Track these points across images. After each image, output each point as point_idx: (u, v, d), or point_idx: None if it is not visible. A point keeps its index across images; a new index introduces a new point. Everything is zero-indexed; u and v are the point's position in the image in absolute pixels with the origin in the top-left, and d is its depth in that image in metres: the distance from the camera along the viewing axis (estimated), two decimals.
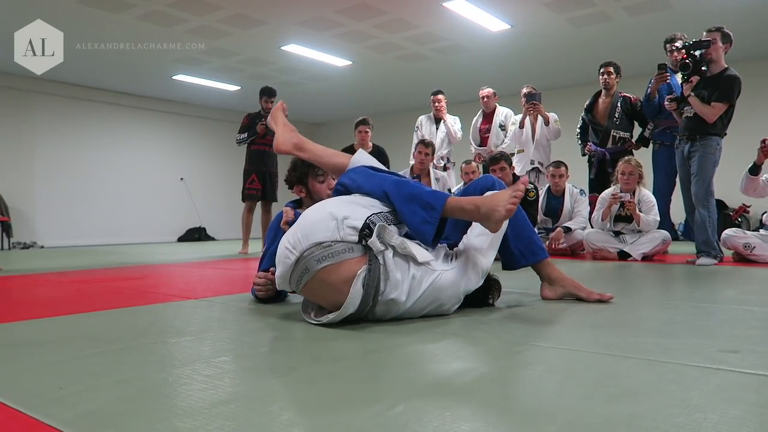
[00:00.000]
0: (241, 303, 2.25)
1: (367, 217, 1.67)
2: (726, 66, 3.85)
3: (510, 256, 2.14)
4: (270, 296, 2.18)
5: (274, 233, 2.29)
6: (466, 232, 2.02)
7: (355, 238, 1.61)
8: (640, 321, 1.79)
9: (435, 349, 1.44)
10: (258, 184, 6.20)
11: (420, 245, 1.77)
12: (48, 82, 9.28)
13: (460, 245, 1.94)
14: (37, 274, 3.86)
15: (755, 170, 4.04)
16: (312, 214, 1.72)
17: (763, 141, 3.84)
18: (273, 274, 2.14)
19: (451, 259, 1.89)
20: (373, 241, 1.63)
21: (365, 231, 1.63)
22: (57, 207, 9.51)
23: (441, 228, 1.79)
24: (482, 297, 2.05)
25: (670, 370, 1.19)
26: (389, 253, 1.66)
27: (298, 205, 2.42)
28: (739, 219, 8.00)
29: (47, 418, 0.95)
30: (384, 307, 1.69)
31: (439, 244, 1.95)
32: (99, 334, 1.67)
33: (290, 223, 2.11)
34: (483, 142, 6.06)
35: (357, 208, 1.71)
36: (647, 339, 1.50)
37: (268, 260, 2.22)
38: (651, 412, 0.93)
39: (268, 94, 6.26)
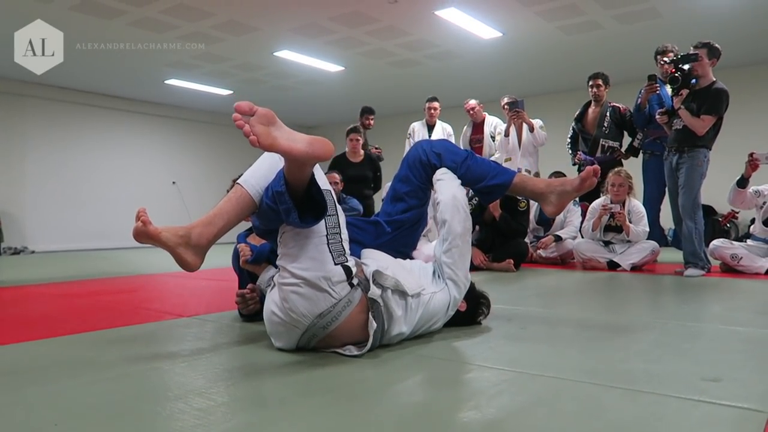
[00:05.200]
0: (232, 322, 2.27)
1: (335, 261, 1.61)
2: (714, 79, 3.90)
3: (479, 192, 2.15)
4: (255, 311, 2.20)
5: (238, 269, 2.33)
6: (415, 248, 2.15)
7: (348, 287, 1.62)
8: (628, 343, 1.82)
9: (423, 380, 1.47)
10: None
11: (410, 275, 1.80)
12: (40, 85, 9.24)
13: (437, 264, 1.96)
14: (28, 285, 3.85)
15: (743, 183, 4.10)
16: (294, 290, 1.60)
17: (751, 155, 3.90)
18: (250, 290, 2.18)
19: (439, 277, 1.93)
20: (372, 291, 1.66)
21: (349, 273, 1.63)
22: (48, 211, 9.46)
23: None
24: (472, 316, 2.08)
25: (654, 402, 1.22)
26: (387, 294, 1.69)
27: (250, 232, 2.43)
28: (728, 225, 8.09)
29: None
30: (387, 341, 1.73)
31: (425, 264, 2.00)
32: (93, 358, 1.69)
33: (250, 261, 2.14)
34: (475, 152, 6.10)
35: (316, 255, 1.60)
36: (633, 365, 1.54)
37: (243, 284, 2.29)
38: None
39: (369, 112, 6.36)
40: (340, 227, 1.67)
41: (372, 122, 6.49)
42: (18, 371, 1.56)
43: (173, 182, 11.30)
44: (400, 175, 2.13)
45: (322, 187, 1.65)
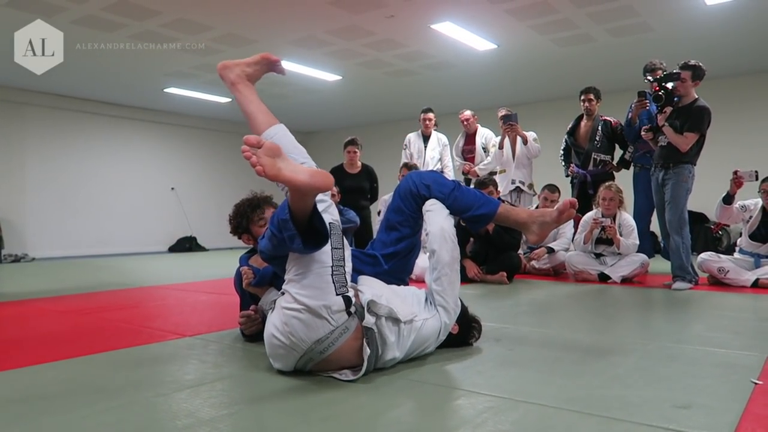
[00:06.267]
0: (234, 343, 2.37)
1: (337, 292, 1.71)
2: (696, 97, 4.03)
3: (466, 221, 2.26)
4: (257, 332, 2.29)
5: (240, 291, 2.43)
6: (411, 273, 2.31)
7: (345, 315, 1.73)
8: (608, 367, 1.93)
9: (414, 407, 1.57)
10: None
11: (404, 302, 1.91)
12: (40, 93, 9.34)
13: (429, 291, 2.07)
14: (30, 300, 3.94)
15: (728, 200, 4.22)
16: (296, 315, 1.70)
17: (735, 173, 4.02)
18: (255, 311, 2.29)
19: (431, 304, 2.04)
20: (367, 320, 1.76)
21: (348, 303, 1.74)
22: (48, 218, 9.55)
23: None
24: (463, 338, 2.19)
25: (626, 430, 1.33)
26: (381, 321, 1.80)
27: (252, 254, 2.53)
28: (720, 232, 8.21)
29: None
30: (381, 365, 1.84)
31: (417, 291, 2.11)
32: (103, 385, 1.79)
33: (253, 284, 2.24)
34: (467, 161, 6.22)
35: (321, 285, 1.71)
36: (610, 391, 1.64)
37: (245, 304, 2.38)
38: None
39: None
40: (345, 260, 1.80)
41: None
42: (31, 398, 1.66)
43: (172, 188, 11.39)
44: (392, 206, 2.24)
45: (332, 222, 1.78)
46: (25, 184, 9.37)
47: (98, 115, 10.26)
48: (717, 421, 1.38)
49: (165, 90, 9.33)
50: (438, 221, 2.09)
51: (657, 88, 4.02)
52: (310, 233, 1.69)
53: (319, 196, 1.86)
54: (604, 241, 4.66)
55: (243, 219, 2.48)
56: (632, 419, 1.40)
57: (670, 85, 3.98)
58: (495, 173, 5.81)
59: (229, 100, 10.06)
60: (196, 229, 11.45)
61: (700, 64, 4.00)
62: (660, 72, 4.84)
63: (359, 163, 6.19)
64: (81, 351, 2.27)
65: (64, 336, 2.65)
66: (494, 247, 4.67)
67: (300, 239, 1.64)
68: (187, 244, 11.22)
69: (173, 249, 11.14)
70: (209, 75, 8.39)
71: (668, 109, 4.02)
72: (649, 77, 4.33)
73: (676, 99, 3.99)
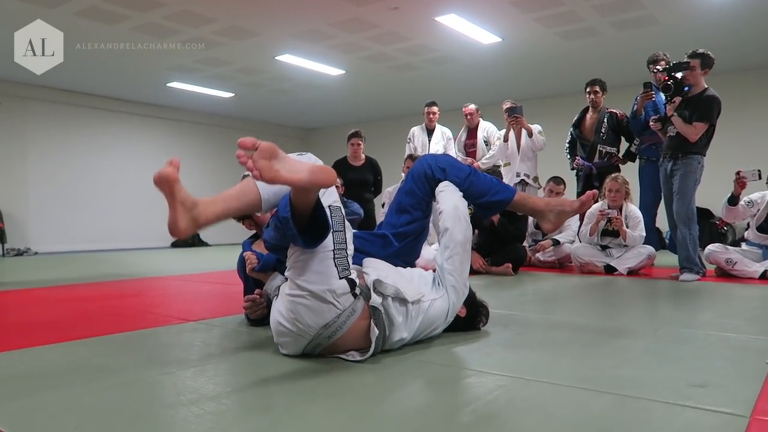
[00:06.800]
0: (238, 327, 2.34)
1: (340, 276, 1.68)
2: (706, 87, 3.98)
3: (480, 207, 2.22)
4: (263, 316, 2.26)
5: (244, 276, 2.39)
6: (419, 257, 2.25)
7: (351, 297, 1.69)
8: (620, 350, 1.89)
9: (423, 385, 1.54)
10: None
11: (410, 283, 1.88)
12: (42, 88, 9.31)
13: (438, 271, 2.03)
14: (33, 288, 3.92)
15: (733, 201, 4.20)
16: (300, 302, 1.67)
17: (737, 173, 4.00)
18: (260, 295, 2.25)
19: (439, 284, 2.00)
20: (374, 299, 1.73)
21: (353, 285, 1.70)
22: (50, 213, 9.54)
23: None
24: (471, 322, 2.15)
25: (641, 408, 1.29)
26: (388, 301, 1.76)
27: (255, 239, 2.49)
28: (725, 228, 8.16)
29: None
30: (388, 346, 1.80)
31: (425, 272, 2.07)
32: (106, 363, 1.76)
33: (257, 269, 2.20)
34: (469, 156, 6.19)
35: (323, 270, 1.67)
36: (623, 371, 1.61)
37: (249, 290, 2.35)
38: None
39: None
40: (346, 243, 1.75)
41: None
42: (33, 376, 1.63)
43: None
44: (404, 188, 2.21)
45: (332, 204, 1.73)
46: (27, 179, 9.35)
47: (100, 109, 10.24)
48: (735, 399, 1.35)
49: (168, 84, 9.30)
50: (452, 200, 2.05)
51: (666, 78, 3.97)
52: (312, 225, 1.64)
53: None
54: (610, 233, 4.62)
55: None
56: (647, 397, 1.36)
57: (679, 74, 3.93)
58: (499, 166, 5.77)
59: (232, 95, 10.04)
60: None
61: (709, 52, 3.95)
62: (663, 63, 4.80)
63: (363, 156, 6.16)
64: (83, 334, 2.24)
65: (65, 321, 2.62)
66: (499, 238, 4.64)
67: (301, 239, 1.61)
68: (189, 240, 11.18)
69: (175, 244, 11.11)
70: (212, 69, 8.36)
71: (677, 99, 3.98)
72: (658, 67, 4.28)
73: (686, 89, 3.95)
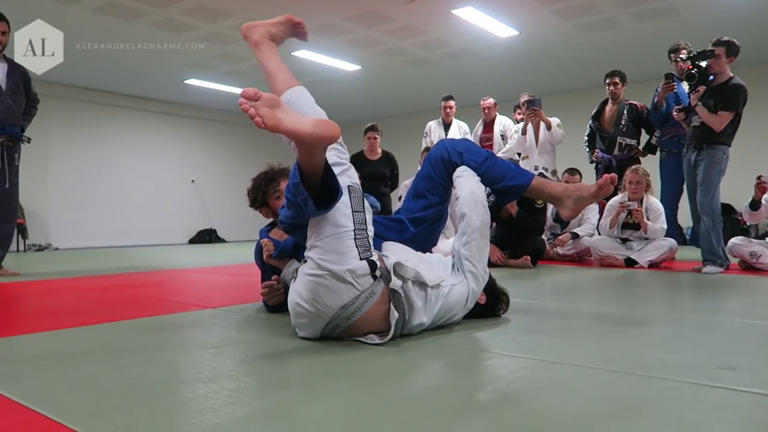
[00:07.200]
0: (257, 314, 2.34)
1: (360, 257, 1.66)
2: (731, 75, 3.90)
3: (497, 192, 2.18)
4: (280, 302, 2.25)
5: (261, 263, 2.38)
6: (435, 244, 2.21)
7: (371, 279, 1.67)
8: (643, 335, 1.85)
9: (443, 366, 1.52)
10: None
11: (430, 267, 1.85)
12: (62, 86, 9.43)
13: (456, 257, 2.01)
14: (55, 279, 3.96)
15: (755, 206, 4.14)
16: (320, 281, 1.65)
17: (758, 178, 3.92)
18: (277, 281, 2.24)
19: (458, 270, 1.97)
20: (394, 282, 1.70)
21: (373, 267, 1.68)
22: (71, 209, 9.66)
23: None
24: (491, 309, 2.12)
25: (668, 388, 1.26)
26: (407, 285, 1.74)
27: (272, 227, 2.48)
28: (747, 224, 8.01)
29: (87, 431, 1.03)
30: (408, 331, 1.78)
31: (445, 258, 2.04)
32: (126, 345, 1.76)
33: (274, 256, 2.19)
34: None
35: (343, 249, 1.65)
36: (648, 354, 1.57)
37: (266, 277, 2.33)
38: (645, 431, 1.00)
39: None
40: (366, 223, 1.74)
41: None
42: (54, 356, 1.63)
43: (192, 181, 11.46)
44: (422, 172, 2.19)
45: (351, 184, 1.72)
46: (48, 176, 9.48)
47: (119, 107, 10.35)
48: (765, 380, 1.31)
49: (185, 81, 9.37)
50: (469, 186, 2.03)
51: (690, 66, 3.89)
52: (324, 194, 1.62)
53: (336, 158, 1.80)
54: (630, 225, 4.55)
55: (259, 192, 2.44)
56: (675, 378, 1.32)
57: (703, 63, 3.85)
58: (516, 160, 5.72)
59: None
60: (215, 222, 11.50)
61: (734, 40, 3.86)
62: (685, 52, 4.71)
63: (379, 150, 6.14)
64: (103, 319, 2.25)
65: (86, 307, 2.64)
66: (517, 231, 4.59)
67: (312, 201, 1.58)
68: (206, 236, 11.28)
69: (193, 241, 11.21)
70: (229, 65, 8.41)
71: (701, 88, 3.90)
72: (682, 56, 4.20)
73: (710, 78, 3.86)
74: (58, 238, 9.45)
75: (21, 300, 3.04)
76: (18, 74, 4.28)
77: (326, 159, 1.62)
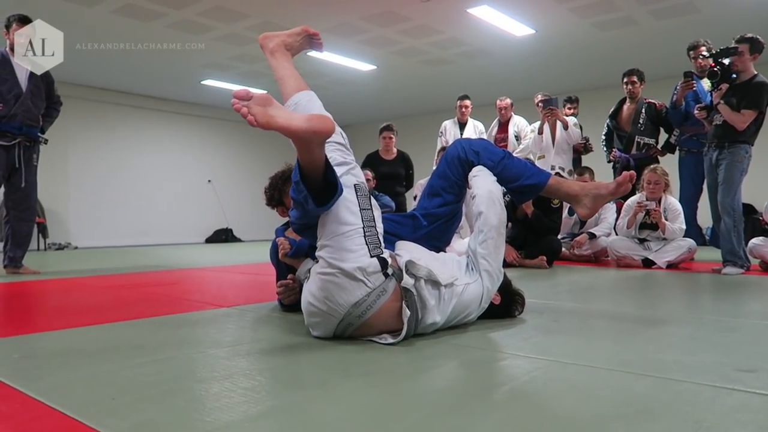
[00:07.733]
0: (271, 312, 2.35)
1: (371, 254, 1.65)
2: (755, 73, 3.82)
3: (513, 192, 2.17)
4: (295, 301, 2.26)
5: (276, 262, 2.39)
6: (449, 243, 2.22)
7: (382, 277, 1.67)
8: (661, 336, 1.83)
9: (457, 365, 1.51)
10: None
11: (443, 266, 1.84)
12: (81, 86, 9.56)
13: (471, 256, 1.99)
14: (74, 277, 4.02)
15: None
16: (331, 280, 1.65)
17: None
18: (293, 280, 2.25)
19: (472, 269, 1.96)
20: (405, 280, 1.70)
21: (383, 264, 1.68)
22: (90, 209, 9.80)
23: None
24: (506, 309, 2.11)
25: (686, 390, 1.24)
26: (420, 283, 1.74)
27: (287, 226, 2.49)
28: None
29: (103, 428, 1.04)
30: (421, 330, 1.78)
31: (458, 258, 2.03)
32: (142, 343, 1.78)
33: (289, 255, 2.19)
34: None
35: (353, 247, 1.65)
36: (666, 356, 1.55)
37: (281, 276, 2.34)
38: None
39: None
40: (375, 221, 1.74)
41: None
42: (71, 353, 1.66)
43: (209, 181, 11.55)
44: (438, 171, 2.18)
45: (356, 182, 1.72)
46: (68, 175, 9.62)
47: (138, 108, 10.47)
48: None
49: (202, 82, 9.45)
50: (486, 185, 2.02)
51: (713, 64, 3.83)
52: (324, 191, 1.63)
53: (341, 158, 1.80)
54: (648, 225, 4.49)
55: (276, 191, 2.46)
56: (692, 380, 1.30)
57: (726, 60, 3.78)
58: (532, 161, 5.69)
59: (265, 92, 10.09)
60: (232, 221, 11.59)
61: (758, 37, 3.79)
62: (704, 49, 4.64)
63: (395, 150, 6.14)
64: (121, 317, 2.28)
65: (104, 305, 2.67)
66: (533, 231, 4.56)
67: (312, 199, 1.59)
68: (223, 236, 11.37)
69: (210, 240, 11.30)
70: (246, 66, 8.46)
71: (724, 86, 3.83)
72: (704, 53, 4.13)
73: (733, 76, 3.79)
74: (78, 237, 9.58)
75: (41, 298, 3.08)
76: (40, 77, 4.34)
77: (326, 156, 1.63)
